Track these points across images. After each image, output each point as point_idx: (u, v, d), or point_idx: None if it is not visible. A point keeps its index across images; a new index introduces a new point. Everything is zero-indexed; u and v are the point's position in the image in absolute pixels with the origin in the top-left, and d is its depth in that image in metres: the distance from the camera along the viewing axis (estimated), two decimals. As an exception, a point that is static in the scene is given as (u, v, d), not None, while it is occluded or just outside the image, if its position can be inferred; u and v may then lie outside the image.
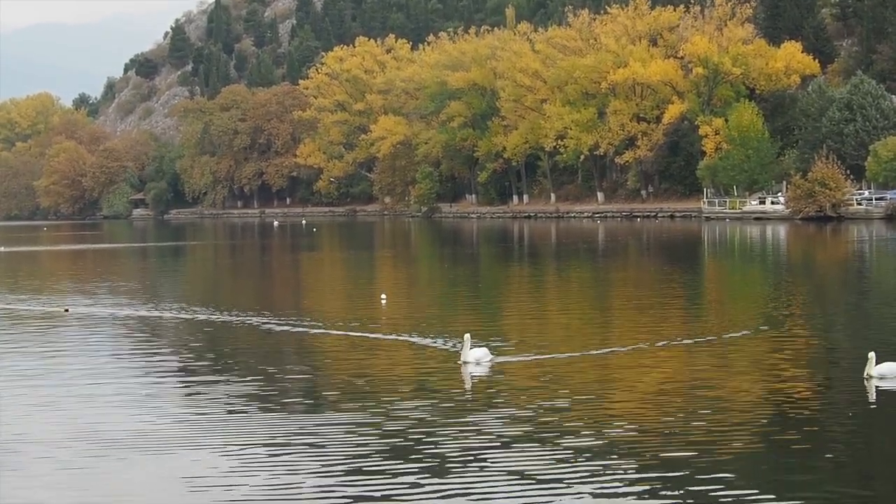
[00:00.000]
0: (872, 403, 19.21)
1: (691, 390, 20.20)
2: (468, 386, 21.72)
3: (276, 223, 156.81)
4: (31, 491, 14.75)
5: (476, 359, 23.47)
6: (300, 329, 30.64)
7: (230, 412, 19.22)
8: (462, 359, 23.59)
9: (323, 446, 16.52)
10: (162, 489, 14.64)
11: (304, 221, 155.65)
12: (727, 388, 20.29)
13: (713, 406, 18.71)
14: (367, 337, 28.50)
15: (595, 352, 25.06)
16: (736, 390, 20.16)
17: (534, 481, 14.40)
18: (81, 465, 15.93)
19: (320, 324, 31.53)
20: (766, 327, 28.83)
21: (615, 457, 15.57)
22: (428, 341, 26.96)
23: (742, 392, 20.03)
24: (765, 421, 17.96)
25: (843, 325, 30.84)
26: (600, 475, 14.63)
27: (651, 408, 18.91)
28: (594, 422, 17.80)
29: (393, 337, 28.28)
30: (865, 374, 20.41)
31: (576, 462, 15.28)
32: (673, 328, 29.30)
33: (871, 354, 20.54)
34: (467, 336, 23.96)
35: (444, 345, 26.26)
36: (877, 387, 19.95)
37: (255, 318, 33.09)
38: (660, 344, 25.74)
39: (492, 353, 23.96)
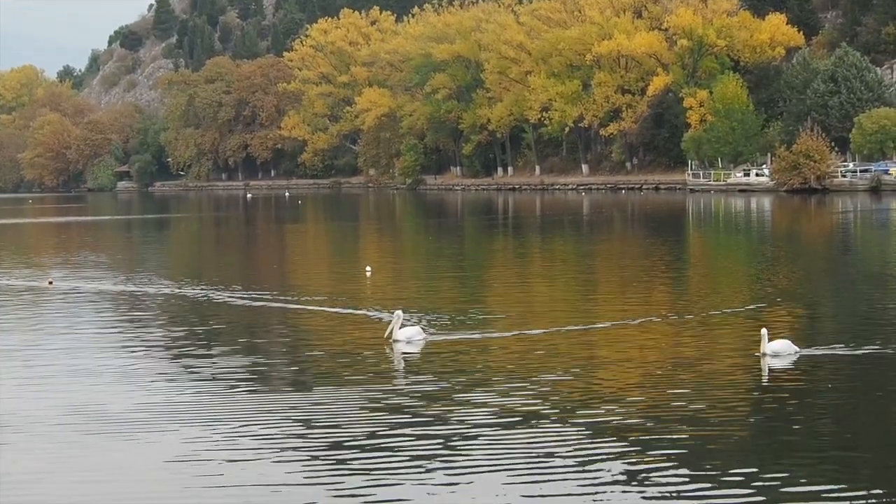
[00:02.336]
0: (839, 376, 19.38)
1: (674, 367, 20.29)
2: (399, 365, 21.28)
3: (249, 195, 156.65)
4: (25, 465, 14.76)
5: (406, 337, 22.85)
6: (285, 304, 30.63)
7: (216, 389, 19.23)
8: (392, 336, 22.96)
9: (308, 423, 16.60)
10: (153, 467, 14.65)
11: (286, 193, 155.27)
12: (709, 364, 20.39)
13: (696, 382, 18.82)
14: (353, 313, 28.43)
15: (555, 329, 25.00)
16: (718, 366, 20.26)
17: (517, 461, 14.48)
18: (73, 441, 15.92)
19: (305, 297, 31.52)
20: (748, 303, 28.87)
21: (594, 436, 15.68)
22: (417, 317, 26.75)
23: (723, 367, 20.14)
24: (748, 396, 18.13)
25: (824, 299, 30.96)
26: (580, 454, 14.73)
27: (631, 385, 19.03)
28: (558, 401, 17.92)
29: (376, 312, 28.22)
30: (760, 351, 20.33)
31: (553, 441, 15.38)
32: (655, 304, 29.39)
33: (764, 331, 20.41)
34: (398, 313, 23.35)
35: (429, 323, 26.12)
36: (769, 365, 19.85)
37: (240, 292, 33.06)
38: (639, 320, 25.78)
39: (425, 332, 23.51)
